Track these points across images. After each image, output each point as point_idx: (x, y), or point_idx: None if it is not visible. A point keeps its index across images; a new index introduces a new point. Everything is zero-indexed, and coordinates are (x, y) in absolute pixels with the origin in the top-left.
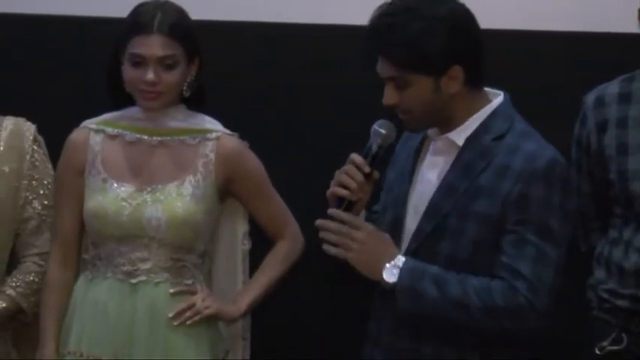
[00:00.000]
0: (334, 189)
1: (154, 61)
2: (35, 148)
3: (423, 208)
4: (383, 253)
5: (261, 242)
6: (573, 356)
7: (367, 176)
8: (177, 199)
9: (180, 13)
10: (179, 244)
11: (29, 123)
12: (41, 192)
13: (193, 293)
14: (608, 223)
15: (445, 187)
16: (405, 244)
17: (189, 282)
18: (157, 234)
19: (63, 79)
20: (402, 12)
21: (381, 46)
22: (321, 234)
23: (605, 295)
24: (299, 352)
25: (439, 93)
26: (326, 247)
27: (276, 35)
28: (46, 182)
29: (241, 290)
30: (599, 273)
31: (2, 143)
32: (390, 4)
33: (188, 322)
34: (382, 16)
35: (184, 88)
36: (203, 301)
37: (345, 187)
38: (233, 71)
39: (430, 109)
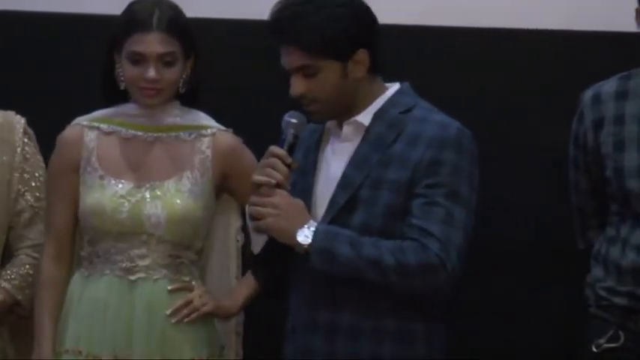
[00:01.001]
0: (257, 177)
1: (155, 59)
2: (26, 140)
3: (331, 192)
4: (297, 217)
5: None
6: (571, 353)
7: (288, 166)
8: (176, 195)
9: (177, 10)
10: (178, 240)
11: (19, 116)
12: (33, 184)
13: (191, 290)
14: (606, 221)
15: (357, 160)
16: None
17: (187, 279)
18: (156, 231)
19: (52, 75)
20: (305, 2)
21: (290, 35)
22: (247, 210)
23: (603, 293)
24: None
25: (346, 78)
26: (250, 224)
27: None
28: (37, 175)
29: (236, 286)
30: (597, 271)
31: None
32: None
33: (186, 320)
34: (286, 8)
35: (180, 84)
36: (200, 298)
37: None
38: (225, 68)
39: (337, 95)
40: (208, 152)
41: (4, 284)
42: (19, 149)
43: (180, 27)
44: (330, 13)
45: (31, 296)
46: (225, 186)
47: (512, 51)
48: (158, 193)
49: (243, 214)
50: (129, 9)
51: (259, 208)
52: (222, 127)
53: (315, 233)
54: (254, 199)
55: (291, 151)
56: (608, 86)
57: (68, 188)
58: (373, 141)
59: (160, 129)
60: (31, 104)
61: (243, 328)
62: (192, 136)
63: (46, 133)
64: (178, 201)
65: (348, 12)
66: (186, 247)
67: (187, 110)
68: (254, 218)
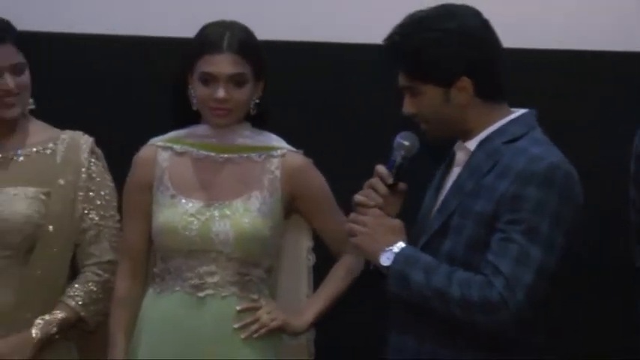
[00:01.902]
0: (357, 196)
1: (225, 79)
2: (92, 160)
3: None
4: (384, 238)
5: (324, 256)
6: None
7: (391, 187)
8: (245, 214)
9: (248, 33)
10: (246, 258)
11: (87, 136)
12: (98, 203)
13: (258, 308)
14: None
15: (455, 187)
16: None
17: (255, 296)
18: (224, 248)
19: (124, 96)
20: (414, 24)
21: (394, 57)
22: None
23: None
24: None
25: (449, 103)
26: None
27: (337, 54)
28: (103, 193)
29: (306, 303)
30: None
31: (59, 157)
32: (407, 17)
33: (255, 335)
34: (397, 29)
35: (251, 106)
36: (269, 314)
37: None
38: (296, 89)
39: (443, 119)
40: (277, 173)
41: (69, 301)
42: (84, 169)
43: (251, 49)
44: (434, 37)
45: (95, 312)
46: (295, 206)
47: (568, 73)
48: (227, 212)
49: (313, 234)
50: (202, 31)
51: (353, 225)
52: (293, 149)
53: (397, 256)
54: (351, 216)
55: (398, 172)
56: None
57: (142, 206)
58: (471, 169)
59: (231, 149)
60: (104, 125)
61: (314, 346)
62: (262, 157)
63: (117, 152)
64: (246, 220)
65: (452, 38)
66: (254, 265)
67: (258, 132)
68: (350, 235)
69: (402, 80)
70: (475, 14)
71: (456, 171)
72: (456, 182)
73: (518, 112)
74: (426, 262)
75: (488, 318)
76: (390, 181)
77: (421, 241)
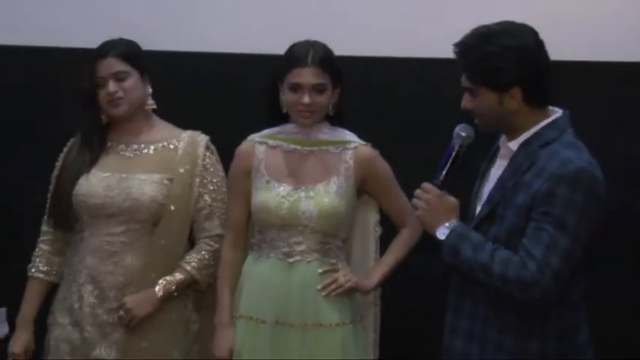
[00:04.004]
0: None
1: (309, 87)
2: (207, 154)
3: (485, 199)
4: (442, 215)
5: (388, 229)
6: None
7: (443, 184)
8: (325, 195)
9: (327, 50)
10: (326, 231)
11: (203, 135)
12: (211, 188)
13: (336, 271)
14: None
15: (501, 182)
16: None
17: (334, 261)
18: (309, 223)
19: (232, 105)
20: (482, 38)
21: (461, 61)
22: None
23: None
24: (419, 317)
25: (502, 106)
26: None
27: (401, 68)
28: (215, 180)
29: (373, 267)
30: None
31: (180, 150)
32: (476, 29)
33: (333, 294)
34: (467, 39)
35: (330, 108)
36: (344, 277)
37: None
38: (367, 96)
39: (495, 117)
40: (351, 162)
41: (186, 266)
42: (199, 160)
43: (330, 63)
44: (496, 51)
45: (206, 275)
46: (365, 188)
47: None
48: (311, 194)
49: (379, 211)
50: (290, 49)
51: (417, 201)
52: (363, 142)
53: (451, 232)
54: (417, 192)
55: (455, 160)
56: None
57: (243, 189)
58: (513, 168)
59: (314, 143)
60: (216, 126)
61: (380, 301)
62: (339, 149)
63: (227, 147)
64: (326, 200)
65: (511, 55)
66: (333, 236)
67: (335, 129)
68: (415, 209)
69: (464, 81)
70: (532, 34)
71: (498, 163)
72: (500, 178)
73: (555, 114)
74: (475, 239)
75: (523, 294)
76: (437, 192)
77: (471, 225)
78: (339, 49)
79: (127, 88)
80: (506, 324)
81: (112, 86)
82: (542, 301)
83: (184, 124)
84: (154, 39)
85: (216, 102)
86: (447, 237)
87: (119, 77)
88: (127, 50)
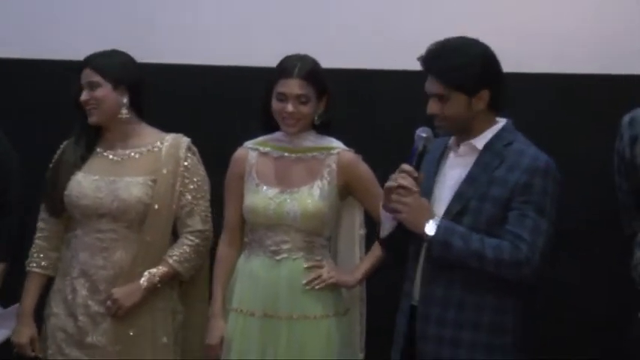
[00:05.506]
0: (389, 183)
1: (293, 97)
2: (189, 155)
3: (446, 195)
4: (425, 213)
5: (373, 229)
6: (623, 322)
7: (415, 179)
8: (308, 197)
9: (315, 63)
10: (310, 230)
11: (185, 137)
12: (192, 187)
13: (321, 267)
14: None
15: (470, 179)
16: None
17: (319, 258)
18: (294, 223)
19: (224, 115)
20: (450, 48)
21: (435, 69)
22: (388, 205)
23: None
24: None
25: (469, 108)
26: (383, 214)
27: (396, 81)
28: (195, 180)
29: (357, 264)
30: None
31: (164, 152)
32: (439, 43)
33: (316, 287)
34: (436, 48)
35: (315, 118)
36: (328, 273)
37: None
38: (354, 106)
39: (460, 120)
40: (334, 166)
41: (169, 259)
42: (181, 161)
43: (315, 76)
44: (466, 58)
45: (188, 268)
46: (348, 190)
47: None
48: (295, 196)
49: (364, 212)
50: (281, 62)
51: (397, 205)
52: (347, 148)
53: (438, 227)
54: (394, 197)
55: (420, 158)
56: None
57: (237, 192)
58: (482, 166)
59: (300, 150)
60: (201, 134)
61: (366, 295)
62: (324, 155)
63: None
64: (309, 201)
65: (479, 59)
66: (317, 235)
67: (321, 136)
68: (393, 212)
69: (435, 88)
70: (485, 45)
71: (454, 162)
72: (469, 175)
73: (502, 121)
74: (461, 231)
75: (516, 273)
76: (415, 174)
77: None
78: (336, 63)
79: (97, 97)
80: (481, 304)
81: (84, 94)
82: (533, 278)
83: (186, 134)
84: (157, 52)
85: (216, 113)
86: (436, 232)
87: (91, 87)
88: (102, 63)
